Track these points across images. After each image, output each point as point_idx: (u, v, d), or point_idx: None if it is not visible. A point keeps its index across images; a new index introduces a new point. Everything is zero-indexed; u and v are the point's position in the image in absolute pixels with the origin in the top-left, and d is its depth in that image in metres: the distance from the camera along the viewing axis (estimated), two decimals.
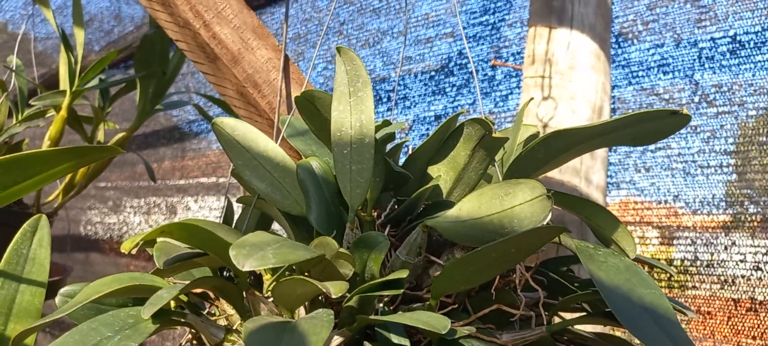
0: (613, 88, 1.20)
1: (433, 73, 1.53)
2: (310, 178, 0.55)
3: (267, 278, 0.53)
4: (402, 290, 0.44)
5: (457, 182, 0.58)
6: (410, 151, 0.64)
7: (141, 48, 1.17)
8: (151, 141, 2.54)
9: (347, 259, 0.46)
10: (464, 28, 1.48)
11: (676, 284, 1.09)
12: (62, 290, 0.62)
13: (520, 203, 0.46)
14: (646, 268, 0.85)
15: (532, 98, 0.66)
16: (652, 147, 1.14)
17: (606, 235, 0.52)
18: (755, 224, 1.01)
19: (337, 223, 0.55)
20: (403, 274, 0.44)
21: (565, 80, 1.15)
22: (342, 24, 1.79)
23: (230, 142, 0.58)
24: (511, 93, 1.36)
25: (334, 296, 0.39)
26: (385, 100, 1.62)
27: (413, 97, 1.57)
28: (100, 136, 1.32)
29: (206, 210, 2.23)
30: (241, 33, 0.85)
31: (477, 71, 1.43)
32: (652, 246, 1.13)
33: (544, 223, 0.46)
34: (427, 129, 1.54)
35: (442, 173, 0.58)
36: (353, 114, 0.48)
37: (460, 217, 0.49)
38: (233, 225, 0.68)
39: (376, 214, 0.57)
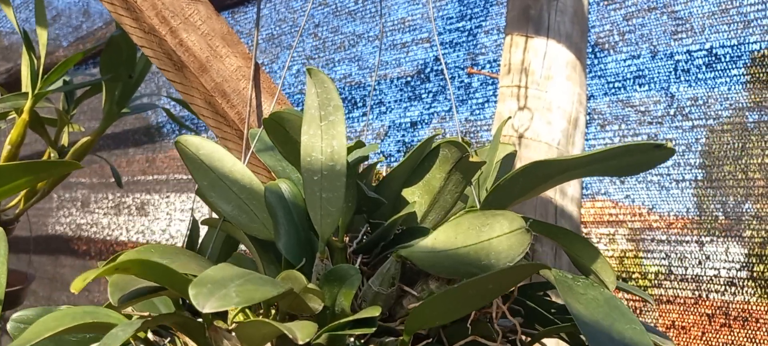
0: (588, 98, 1.19)
1: (408, 79, 1.51)
2: (279, 202, 0.52)
3: (232, 309, 0.50)
4: (374, 329, 0.42)
5: (432, 206, 0.56)
6: (384, 171, 0.62)
7: (107, 50, 1.13)
8: (121, 139, 2.49)
9: (316, 294, 0.43)
10: (440, 33, 1.46)
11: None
12: (15, 316, 0.59)
13: (497, 236, 0.45)
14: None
15: (510, 117, 0.65)
16: None
17: (584, 264, 0.50)
18: (724, 233, 1.01)
19: (307, 250, 0.52)
20: (376, 312, 0.42)
21: (541, 91, 1.14)
22: (316, 26, 1.76)
23: (195, 161, 0.55)
24: (488, 101, 1.35)
25: (300, 342, 0.37)
26: (360, 105, 1.60)
27: (389, 102, 1.55)
28: (65, 139, 1.27)
29: (177, 212, 2.19)
30: (209, 40, 0.82)
31: (453, 78, 1.42)
32: (626, 253, 1.13)
33: (522, 256, 0.44)
34: (403, 135, 1.52)
35: (416, 197, 0.56)
36: (324, 139, 0.45)
37: (436, 247, 0.47)
38: (198, 246, 0.66)
39: (347, 239, 0.54)
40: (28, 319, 0.59)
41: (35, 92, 1.14)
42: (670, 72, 1.09)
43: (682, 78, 1.07)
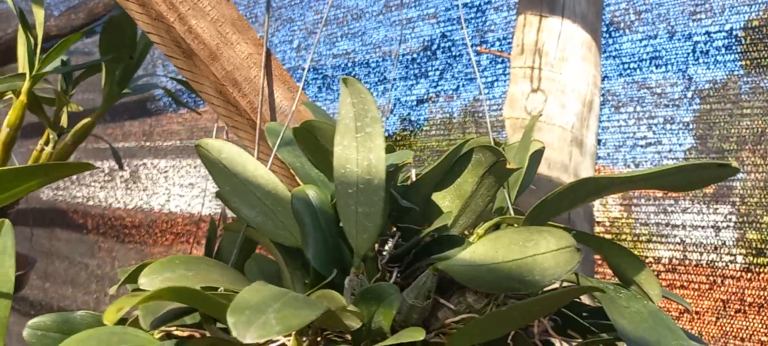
0: (603, 79, 1.16)
1: (414, 56, 1.48)
2: (306, 209, 0.50)
3: None
4: None
5: (463, 210, 0.54)
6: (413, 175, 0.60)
7: (107, 30, 1.09)
8: (117, 111, 2.44)
9: (355, 314, 0.41)
10: (447, 9, 1.43)
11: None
12: (31, 323, 0.57)
13: (543, 252, 0.42)
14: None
15: (539, 113, 0.62)
16: (642, 143, 1.11)
17: (628, 275, 0.48)
18: (742, 225, 1.00)
19: (337, 259, 0.50)
20: (419, 335, 0.40)
21: (555, 72, 1.11)
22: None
23: (216, 165, 0.52)
24: (497, 80, 1.32)
25: None
26: (364, 82, 1.56)
27: (393, 80, 1.51)
28: (64, 120, 1.24)
29: (176, 187, 2.16)
30: (219, 26, 0.78)
31: (461, 56, 1.38)
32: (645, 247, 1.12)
33: (569, 274, 0.42)
34: (408, 113, 1.50)
35: (447, 201, 0.54)
36: (360, 151, 0.43)
37: (475, 261, 0.45)
38: (216, 246, 0.63)
39: (377, 247, 0.52)
40: (45, 325, 0.57)
41: (33, 73, 1.10)
42: (688, 53, 1.06)
43: (701, 60, 1.05)
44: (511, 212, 0.55)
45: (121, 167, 1.28)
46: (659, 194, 1.08)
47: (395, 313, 0.42)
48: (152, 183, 2.29)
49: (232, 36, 0.78)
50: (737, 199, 0.99)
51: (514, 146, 0.62)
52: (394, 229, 0.56)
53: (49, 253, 2.80)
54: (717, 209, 1.01)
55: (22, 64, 1.14)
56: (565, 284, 0.50)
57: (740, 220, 1.00)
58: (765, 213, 0.97)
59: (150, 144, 2.26)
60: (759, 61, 1.00)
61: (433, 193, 0.54)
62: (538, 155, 0.64)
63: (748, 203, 0.98)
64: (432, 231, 0.48)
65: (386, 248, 0.52)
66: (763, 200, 0.96)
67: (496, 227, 0.57)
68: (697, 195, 1.03)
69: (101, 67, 1.19)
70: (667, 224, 1.06)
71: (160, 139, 2.24)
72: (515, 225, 0.53)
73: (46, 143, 1.20)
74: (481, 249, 0.45)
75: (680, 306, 1.04)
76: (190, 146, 2.11)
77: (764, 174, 0.96)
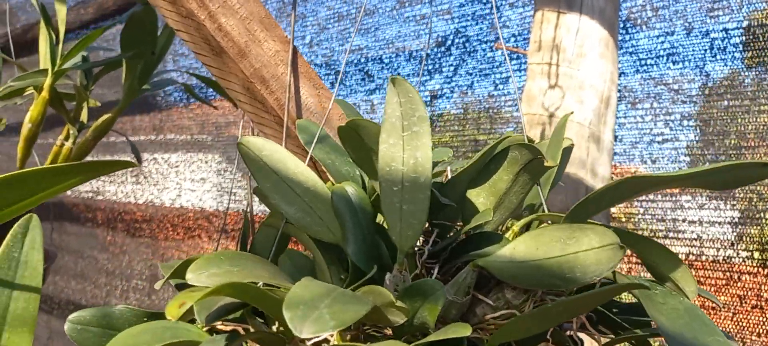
0: (619, 75, 1.17)
1: (428, 52, 1.48)
2: (347, 206, 0.51)
3: None
4: None
5: (497, 207, 0.55)
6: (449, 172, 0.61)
7: (128, 27, 1.10)
8: (128, 106, 2.44)
9: (401, 310, 0.42)
10: (461, 5, 1.43)
11: None
12: (71, 317, 0.58)
13: (585, 250, 0.43)
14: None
15: (571, 112, 0.63)
16: (659, 139, 1.12)
17: (663, 272, 0.49)
18: (759, 222, 1.01)
19: (375, 255, 0.51)
20: (466, 331, 0.41)
21: (573, 69, 1.12)
22: None
23: (257, 162, 0.53)
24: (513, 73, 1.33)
25: None
26: (376, 78, 1.57)
27: (407, 75, 1.52)
28: (84, 115, 1.25)
29: (187, 182, 2.17)
30: (247, 24, 0.79)
31: (475, 52, 1.39)
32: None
33: (610, 271, 0.43)
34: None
35: (481, 198, 0.55)
36: (407, 150, 0.44)
37: (515, 257, 0.46)
38: (250, 241, 0.64)
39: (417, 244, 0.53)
40: (85, 320, 0.58)
41: (55, 70, 1.11)
42: (706, 50, 1.07)
43: (718, 56, 1.05)
44: (545, 208, 0.56)
45: (139, 162, 1.29)
46: (676, 189, 1.09)
47: (440, 308, 0.43)
48: (163, 178, 2.30)
49: (259, 33, 0.79)
50: (755, 195, 1.00)
51: (545, 144, 0.62)
52: (428, 225, 0.57)
53: (58, 247, 2.81)
54: (734, 205, 1.02)
55: (44, 59, 1.15)
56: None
57: (757, 216, 1.01)
58: None
59: (161, 138, 2.27)
60: None
61: (468, 190, 0.55)
62: (567, 152, 0.65)
63: (766, 199, 0.99)
64: (471, 228, 0.49)
65: (424, 243, 0.53)
66: None
67: (528, 225, 0.58)
68: (713, 191, 1.04)
69: (121, 63, 1.20)
70: (683, 220, 1.07)
71: (171, 134, 2.25)
72: (549, 221, 0.54)
73: (66, 139, 1.21)
74: (522, 246, 0.46)
75: (708, 302, 1.05)
76: (201, 141, 2.13)
77: None
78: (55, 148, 1.22)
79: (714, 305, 1.01)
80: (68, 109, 1.25)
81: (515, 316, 0.47)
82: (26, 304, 0.71)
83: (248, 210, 0.69)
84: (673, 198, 1.09)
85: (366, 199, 0.52)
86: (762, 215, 1.00)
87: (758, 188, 1.01)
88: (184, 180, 2.19)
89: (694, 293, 0.48)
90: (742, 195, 1.03)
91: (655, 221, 1.11)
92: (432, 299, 0.43)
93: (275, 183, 0.53)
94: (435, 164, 0.52)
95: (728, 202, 1.04)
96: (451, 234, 0.55)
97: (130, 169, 2.19)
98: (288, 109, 0.79)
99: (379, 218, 0.57)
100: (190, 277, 0.47)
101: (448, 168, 0.58)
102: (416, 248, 0.52)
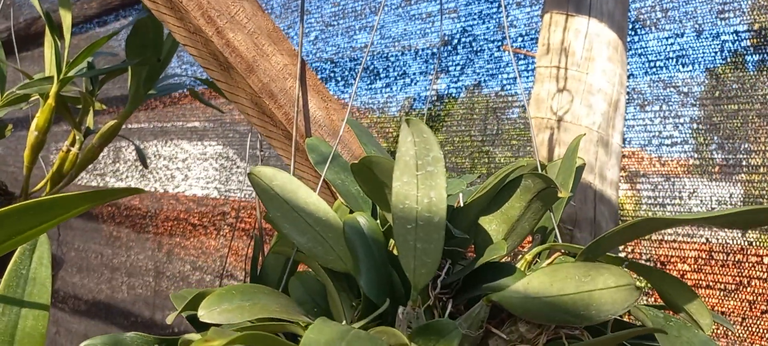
0: (628, 77, 1.16)
1: (435, 50, 1.47)
2: (359, 238, 0.51)
3: None
4: None
5: (509, 233, 0.55)
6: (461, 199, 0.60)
7: (133, 34, 1.09)
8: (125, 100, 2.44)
9: None
10: (468, 4, 1.42)
11: None
12: (84, 344, 0.58)
13: (600, 289, 0.43)
14: None
15: (583, 134, 0.63)
16: (668, 142, 1.11)
17: (677, 303, 0.49)
18: None
19: (388, 288, 0.51)
20: None
21: (582, 72, 1.11)
22: None
23: (268, 193, 0.53)
24: (520, 76, 1.32)
25: None
26: (383, 76, 1.56)
27: (413, 74, 1.51)
28: (89, 121, 1.25)
29: (192, 179, 2.17)
30: (255, 39, 0.78)
31: (482, 52, 1.38)
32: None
33: (626, 310, 0.43)
34: (429, 108, 1.49)
35: (494, 225, 0.54)
36: (421, 189, 0.43)
37: (529, 293, 0.46)
38: (260, 266, 0.64)
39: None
40: None
41: (61, 77, 1.11)
42: (716, 52, 1.06)
43: (729, 59, 1.04)
44: (558, 235, 0.56)
45: (145, 166, 1.29)
46: (685, 194, 1.08)
47: None
48: (168, 172, 2.30)
49: (267, 48, 0.79)
50: (765, 200, 1.00)
51: (556, 164, 0.62)
52: (449, 261, 0.57)
53: (64, 243, 2.82)
54: (762, 205, 1.01)
55: (49, 67, 1.15)
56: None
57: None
58: None
59: (169, 126, 2.26)
60: None
61: (481, 217, 0.55)
62: (579, 172, 0.64)
63: None
64: (485, 261, 0.49)
65: (437, 273, 0.53)
66: None
67: (539, 252, 0.57)
68: (723, 197, 1.03)
69: (127, 69, 1.20)
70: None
71: (175, 128, 2.25)
72: (563, 252, 0.54)
73: (73, 144, 1.21)
74: (536, 281, 0.46)
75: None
76: (207, 135, 2.12)
77: None
78: (61, 154, 1.22)
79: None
80: (74, 114, 1.24)
81: None
82: (35, 322, 0.71)
83: (257, 234, 0.69)
84: (682, 202, 1.08)
85: (378, 229, 0.52)
86: None
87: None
88: (189, 176, 2.19)
89: (709, 327, 0.47)
90: (752, 198, 1.02)
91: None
92: (446, 339, 0.43)
93: (286, 213, 0.53)
94: (449, 196, 0.51)
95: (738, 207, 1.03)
96: (464, 261, 0.55)
97: (145, 168, 2.19)
98: (296, 123, 0.79)
99: (391, 243, 0.57)
100: (203, 314, 0.47)
101: (461, 195, 0.58)
102: (432, 281, 0.52)
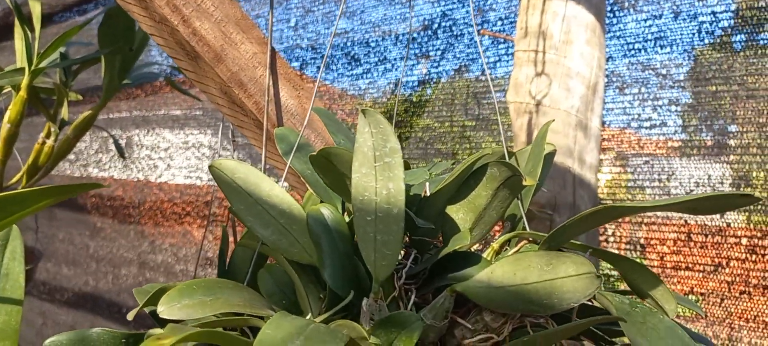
0: (607, 60, 1.15)
1: (414, 36, 1.46)
2: (323, 230, 0.50)
3: None
4: None
5: (476, 223, 0.54)
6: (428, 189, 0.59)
7: (105, 23, 1.08)
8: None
9: (376, 344, 0.42)
10: None
11: None
12: (48, 342, 0.57)
13: (561, 277, 0.43)
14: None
15: (552, 120, 0.62)
16: (647, 124, 1.11)
17: (642, 289, 0.49)
18: (746, 208, 1.00)
19: (353, 280, 0.50)
20: None
21: (560, 55, 1.10)
22: None
23: (230, 186, 0.52)
24: (499, 60, 1.31)
25: None
26: (364, 62, 1.55)
27: (393, 59, 1.50)
28: (64, 113, 1.23)
29: (175, 169, 2.15)
30: (223, 27, 0.77)
31: (462, 36, 1.37)
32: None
33: (588, 299, 0.42)
34: (410, 94, 1.48)
35: (461, 214, 0.54)
36: (379, 181, 0.43)
37: (492, 282, 0.45)
38: (228, 259, 0.63)
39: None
40: (62, 344, 0.57)
41: (32, 69, 1.09)
42: (694, 34, 1.06)
43: (706, 40, 1.04)
44: (525, 221, 0.55)
45: (123, 157, 1.27)
46: (664, 176, 1.08)
47: (416, 341, 0.42)
48: (150, 162, 2.28)
49: (236, 36, 0.77)
50: (742, 182, 1.00)
51: (526, 151, 0.61)
52: (407, 240, 0.57)
53: (50, 235, 2.80)
54: (722, 191, 1.01)
55: (21, 58, 1.13)
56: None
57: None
58: None
59: (149, 115, 2.24)
60: (766, 40, 0.99)
61: (448, 206, 0.54)
62: (549, 159, 0.64)
63: (754, 186, 0.99)
64: (450, 250, 0.48)
65: (402, 263, 0.52)
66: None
67: (508, 240, 0.57)
68: (702, 179, 1.03)
69: (99, 59, 1.18)
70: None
71: (157, 117, 2.23)
72: (530, 239, 0.53)
73: (48, 136, 1.19)
74: (500, 271, 0.45)
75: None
76: (188, 124, 2.10)
77: None
78: (36, 147, 1.20)
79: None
80: (49, 105, 1.23)
81: (493, 339, 0.47)
82: (8, 317, 0.70)
83: (227, 227, 0.68)
84: (661, 185, 1.08)
85: (342, 221, 0.51)
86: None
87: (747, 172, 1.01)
88: (171, 165, 2.17)
89: (673, 312, 0.47)
90: (731, 181, 1.03)
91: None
92: (408, 330, 0.42)
93: (250, 206, 0.52)
94: (411, 187, 0.51)
95: (716, 189, 1.03)
96: (431, 251, 0.55)
97: (123, 159, 2.17)
98: (267, 112, 0.78)
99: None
100: (162, 310, 0.46)
101: (427, 184, 0.57)
102: (394, 269, 0.51)
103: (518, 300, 0.45)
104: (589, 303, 0.55)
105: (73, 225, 2.61)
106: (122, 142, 2.23)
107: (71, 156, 2.72)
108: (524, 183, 0.49)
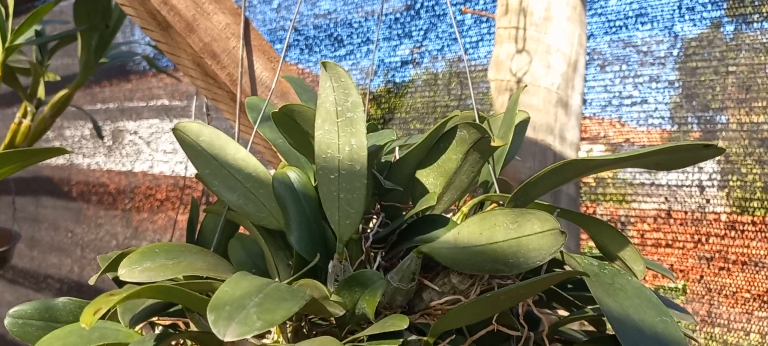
0: (588, 38, 1.15)
1: (397, 15, 1.45)
2: (289, 193, 0.49)
3: None
4: (400, 341, 0.40)
5: (447, 187, 0.53)
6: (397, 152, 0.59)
7: (80, 0, 1.06)
8: (96, 75, 2.39)
9: (338, 303, 0.41)
10: None
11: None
12: (12, 312, 0.56)
13: (527, 235, 0.42)
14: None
15: (525, 86, 0.61)
16: (628, 102, 1.10)
17: (612, 251, 0.48)
18: (726, 184, 1.00)
19: (321, 243, 0.50)
20: (403, 323, 0.40)
21: (541, 32, 1.10)
22: None
23: (195, 149, 0.51)
24: (482, 40, 1.30)
25: None
26: (347, 43, 1.54)
27: (377, 40, 1.48)
28: (41, 92, 1.21)
29: (160, 153, 2.14)
30: None
31: (444, 15, 1.36)
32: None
33: (553, 255, 0.42)
34: (393, 75, 1.48)
35: (431, 179, 0.53)
36: (342, 137, 0.42)
37: (459, 243, 0.45)
38: (198, 228, 0.62)
39: (361, 227, 0.51)
40: (26, 314, 0.56)
41: (6, 46, 1.07)
42: (674, 10, 1.05)
43: (687, 16, 1.04)
44: (496, 187, 0.55)
45: (100, 137, 1.25)
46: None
47: (379, 299, 0.42)
48: (134, 148, 2.26)
49: (208, 6, 0.76)
50: (722, 157, 0.99)
51: (499, 117, 0.61)
52: (378, 206, 0.56)
53: (35, 220, 2.78)
54: (702, 167, 1.01)
55: None
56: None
57: (724, 178, 1.01)
58: (749, 171, 0.97)
59: (132, 105, 2.22)
60: (745, 16, 0.99)
61: (417, 170, 0.53)
62: (522, 126, 0.63)
63: (733, 161, 0.98)
64: (416, 213, 0.48)
65: (370, 227, 0.52)
66: (747, 157, 0.97)
67: (481, 204, 0.56)
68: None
69: (77, 37, 1.16)
70: (652, 184, 1.07)
71: (141, 103, 2.21)
72: (501, 202, 0.53)
73: (24, 116, 1.18)
74: (466, 231, 0.45)
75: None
76: (173, 109, 2.08)
77: (749, 131, 0.96)
78: (12, 126, 1.19)
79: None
80: (25, 84, 1.21)
81: (461, 301, 0.46)
82: None
83: (202, 193, 0.67)
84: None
85: (309, 184, 0.50)
86: (729, 177, 1.00)
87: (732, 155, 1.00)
88: (156, 151, 2.15)
89: (642, 273, 0.47)
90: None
91: (624, 185, 1.10)
92: (370, 290, 0.42)
93: (215, 169, 0.51)
94: (381, 147, 0.50)
95: (696, 165, 1.03)
96: (404, 215, 0.54)
97: (101, 140, 2.15)
98: (241, 84, 0.77)
99: None
100: (123, 273, 0.45)
101: (397, 148, 0.56)
102: (362, 233, 0.50)
103: (484, 260, 0.44)
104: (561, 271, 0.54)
105: (58, 211, 2.59)
106: (107, 130, 2.21)
107: (56, 143, 2.69)
108: (493, 143, 0.48)
